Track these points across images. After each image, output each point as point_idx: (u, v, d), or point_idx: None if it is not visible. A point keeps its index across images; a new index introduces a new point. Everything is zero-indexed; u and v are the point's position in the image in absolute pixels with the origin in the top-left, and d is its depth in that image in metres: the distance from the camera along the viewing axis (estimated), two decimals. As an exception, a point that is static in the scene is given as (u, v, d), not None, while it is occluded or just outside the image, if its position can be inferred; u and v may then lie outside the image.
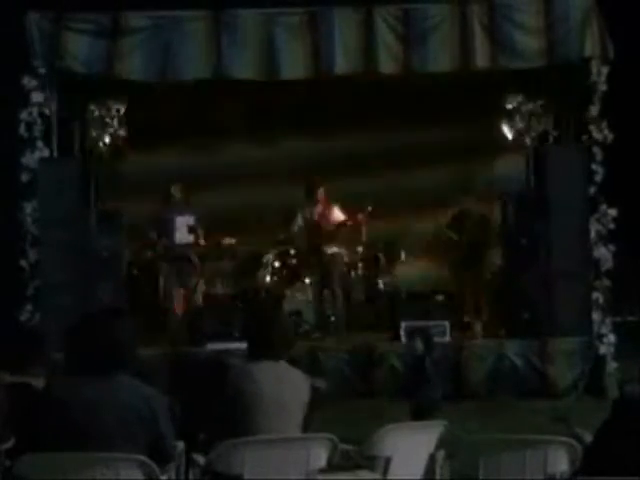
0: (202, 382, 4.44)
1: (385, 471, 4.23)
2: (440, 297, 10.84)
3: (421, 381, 6.91)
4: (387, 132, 12.38)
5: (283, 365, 4.37)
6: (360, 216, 10.21)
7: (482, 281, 10.36)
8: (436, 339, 9.06)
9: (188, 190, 10.49)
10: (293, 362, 4.49)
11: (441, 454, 4.32)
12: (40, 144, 9.26)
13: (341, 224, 10.29)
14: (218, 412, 4.28)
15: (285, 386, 4.29)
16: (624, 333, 9.39)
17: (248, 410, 4.20)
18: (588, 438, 3.92)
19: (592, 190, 9.28)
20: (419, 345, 7.04)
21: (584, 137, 9.39)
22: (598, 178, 9.27)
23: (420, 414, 6.38)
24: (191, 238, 10.06)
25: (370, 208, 10.13)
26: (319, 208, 10.30)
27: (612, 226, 9.31)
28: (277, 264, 11.06)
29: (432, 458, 4.33)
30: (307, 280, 10.72)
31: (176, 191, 10.22)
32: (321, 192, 10.28)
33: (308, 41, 9.31)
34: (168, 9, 9.42)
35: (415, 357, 7.24)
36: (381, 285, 11.32)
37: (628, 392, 4.11)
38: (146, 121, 11.43)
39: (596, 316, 9.29)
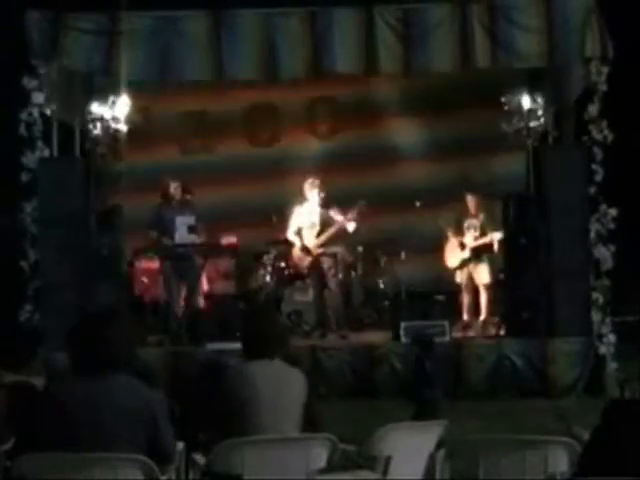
0: (200, 383, 4.43)
1: (385, 471, 4.23)
2: (440, 297, 10.84)
3: (422, 383, 6.90)
4: (387, 131, 12.40)
5: (278, 364, 4.37)
6: (355, 213, 10.15)
7: (484, 281, 10.32)
8: (436, 339, 9.11)
9: (188, 190, 10.50)
10: (293, 362, 4.48)
11: (441, 454, 4.32)
12: (40, 144, 9.26)
13: (341, 224, 10.27)
14: (216, 413, 4.28)
15: (280, 384, 4.29)
16: (624, 333, 9.39)
17: (244, 410, 4.20)
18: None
19: (592, 190, 9.27)
20: (418, 349, 7.04)
21: (584, 137, 9.38)
22: (598, 178, 9.26)
23: (422, 416, 6.37)
24: (191, 238, 10.06)
25: (364, 204, 10.09)
26: (319, 207, 10.29)
27: (612, 226, 9.30)
28: (277, 264, 11.06)
29: (432, 458, 4.32)
30: (307, 280, 10.72)
31: (176, 191, 10.22)
32: (322, 192, 10.27)
33: (308, 41, 9.30)
34: (168, 9, 9.42)
35: (415, 360, 7.23)
36: (381, 285, 11.32)
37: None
38: (146, 121, 11.44)
39: (596, 316, 9.29)
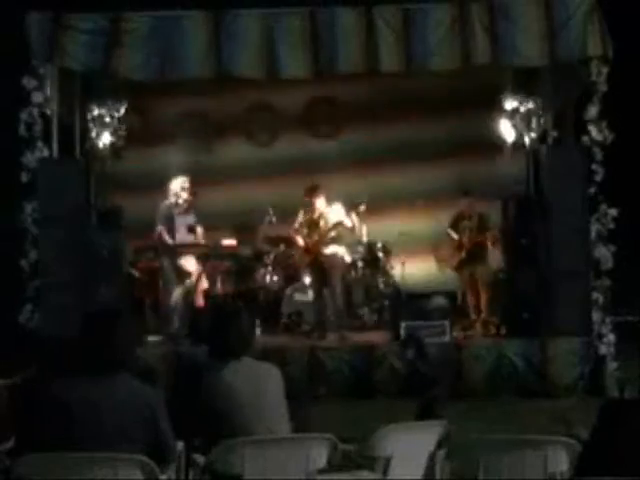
0: (183, 389, 4.44)
1: (385, 471, 4.23)
2: (440, 297, 10.83)
3: (419, 384, 6.88)
4: (387, 131, 12.40)
5: (247, 361, 4.38)
6: (354, 215, 10.17)
7: (483, 281, 10.33)
8: (436, 339, 9.14)
9: (191, 190, 10.50)
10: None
11: (441, 454, 4.32)
12: (40, 144, 9.26)
13: (340, 224, 10.29)
14: (200, 420, 4.27)
15: (255, 382, 4.31)
16: (624, 333, 9.38)
17: (226, 415, 4.20)
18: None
19: (592, 190, 9.27)
20: (410, 353, 7.03)
21: (584, 137, 9.38)
22: (598, 178, 9.26)
23: (422, 414, 6.36)
24: (191, 238, 10.06)
25: (363, 205, 10.12)
26: (319, 208, 10.30)
27: (612, 226, 9.30)
28: (277, 264, 11.05)
29: (432, 458, 4.32)
30: (307, 280, 10.72)
31: (183, 190, 10.20)
32: (322, 192, 10.27)
33: (308, 41, 9.29)
34: (168, 9, 9.42)
35: (409, 363, 7.21)
36: (381, 285, 11.32)
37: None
38: (146, 121, 11.45)
39: (596, 316, 9.28)
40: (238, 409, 4.21)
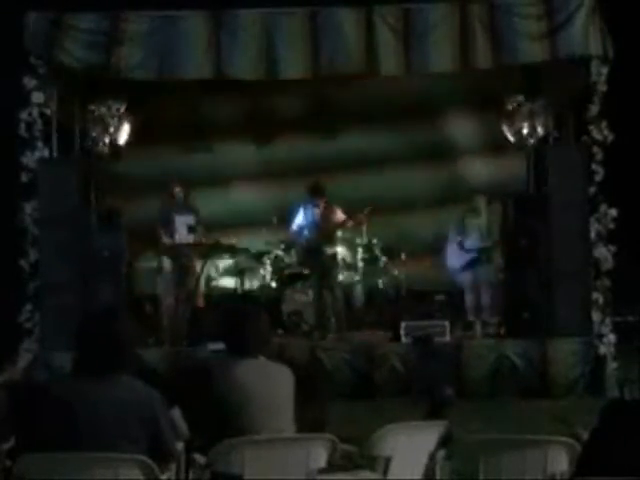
0: (186, 389, 4.44)
1: (385, 471, 4.23)
2: (440, 297, 10.84)
3: (429, 382, 6.88)
4: (387, 132, 12.40)
5: (262, 361, 4.39)
6: (360, 216, 10.22)
7: (485, 281, 10.32)
8: (436, 339, 9.13)
9: (188, 190, 10.50)
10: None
11: (441, 454, 4.32)
12: (40, 144, 9.26)
13: (341, 224, 10.31)
14: (207, 418, 4.27)
15: (269, 382, 4.31)
16: (624, 333, 9.39)
17: (236, 412, 4.20)
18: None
19: (592, 190, 9.27)
20: (420, 351, 7.03)
21: (584, 137, 9.38)
22: (598, 178, 9.26)
23: (435, 415, 6.36)
24: (191, 238, 10.07)
25: (368, 209, 10.14)
26: (320, 208, 10.31)
27: (612, 226, 9.31)
28: (277, 264, 11.05)
29: (432, 458, 4.32)
30: (307, 280, 10.71)
31: (179, 191, 10.22)
32: (323, 192, 10.28)
33: (308, 41, 9.30)
34: (168, 9, 9.42)
35: (419, 362, 7.19)
36: (381, 285, 11.31)
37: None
38: (146, 121, 11.45)
39: (596, 316, 9.29)
40: (247, 405, 4.20)
